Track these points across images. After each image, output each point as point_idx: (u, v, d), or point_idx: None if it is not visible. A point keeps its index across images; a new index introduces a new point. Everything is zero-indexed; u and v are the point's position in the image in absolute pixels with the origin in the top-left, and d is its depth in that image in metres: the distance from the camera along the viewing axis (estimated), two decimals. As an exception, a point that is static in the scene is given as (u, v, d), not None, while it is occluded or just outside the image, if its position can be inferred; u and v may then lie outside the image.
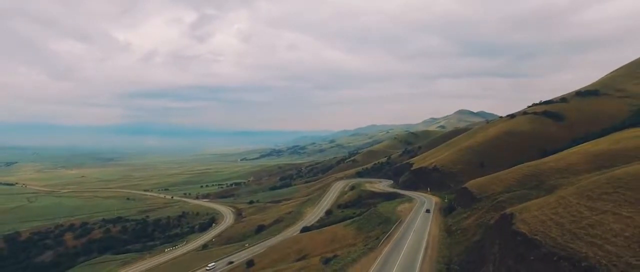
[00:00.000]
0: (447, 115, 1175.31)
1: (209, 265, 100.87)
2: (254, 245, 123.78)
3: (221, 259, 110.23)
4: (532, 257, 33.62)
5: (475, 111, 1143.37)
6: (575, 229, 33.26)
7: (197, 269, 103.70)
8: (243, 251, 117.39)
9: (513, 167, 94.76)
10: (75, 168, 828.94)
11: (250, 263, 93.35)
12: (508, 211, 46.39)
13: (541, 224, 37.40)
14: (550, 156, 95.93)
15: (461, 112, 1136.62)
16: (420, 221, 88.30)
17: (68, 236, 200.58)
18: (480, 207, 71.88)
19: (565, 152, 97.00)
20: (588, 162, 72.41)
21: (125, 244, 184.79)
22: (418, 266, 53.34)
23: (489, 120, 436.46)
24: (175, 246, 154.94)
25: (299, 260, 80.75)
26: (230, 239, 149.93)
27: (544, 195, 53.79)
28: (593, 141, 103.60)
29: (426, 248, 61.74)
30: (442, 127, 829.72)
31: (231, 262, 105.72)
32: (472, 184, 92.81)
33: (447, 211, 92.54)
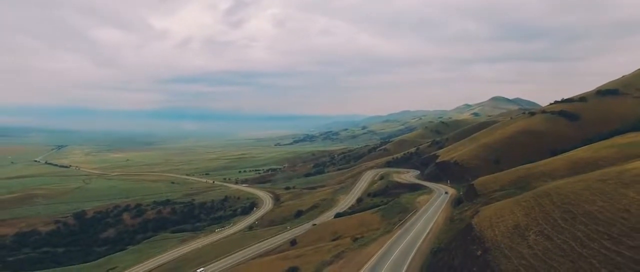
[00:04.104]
0: (482, 102, 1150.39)
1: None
2: (295, 227, 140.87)
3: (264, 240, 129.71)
4: (468, 237, 51.06)
5: (510, 98, 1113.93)
6: (494, 222, 49.46)
7: (249, 247, 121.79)
8: (287, 233, 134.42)
9: (512, 169, 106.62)
10: (119, 152, 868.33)
11: (293, 242, 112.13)
12: (482, 207, 63.35)
13: (483, 218, 53.53)
14: (541, 161, 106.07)
15: (496, 99, 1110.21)
16: (431, 211, 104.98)
17: (126, 216, 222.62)
18: (478, 202, 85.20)
19: (557, 157, 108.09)
20: (567, 169, 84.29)
21: (175, 224, 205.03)
22: (418, 244, 72.36)
23: (524, 109, 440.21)
24: (223, 227, 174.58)
25: (333, 240, 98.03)
26: (273, 222, 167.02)
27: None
28: (580, 148, 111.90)
29: (429, 232, 79.87)
30: (476, 114, 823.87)
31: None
32: (478, 181, 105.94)
33: (456, 203, 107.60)
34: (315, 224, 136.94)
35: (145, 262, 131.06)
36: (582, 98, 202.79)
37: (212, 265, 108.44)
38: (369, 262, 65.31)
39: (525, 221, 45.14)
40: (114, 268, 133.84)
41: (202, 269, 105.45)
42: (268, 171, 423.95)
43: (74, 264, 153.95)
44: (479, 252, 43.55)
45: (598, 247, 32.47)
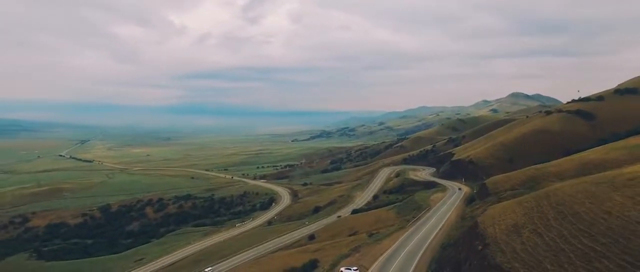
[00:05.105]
0: (500, 98, 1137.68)
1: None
2: (313, 223, 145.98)
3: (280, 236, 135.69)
4: (473, 234, 55.42)
5: (530, 94, 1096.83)
6: (497, 221, 53.27)
7: (269, 241, 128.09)
8: (305, 228, 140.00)
9: (523, 169, 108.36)
10: (139, 147, 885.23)
11: (312, 237, 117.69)
12: (491, 206, 67.99)
13: (488, 217, 57.55)
14: (552, 162, 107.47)
15: (515, 96, 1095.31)
16: (444, 208, 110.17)
17: (149, 210, 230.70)
18: (489, 201, 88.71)
19: (568, 157, 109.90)
20: (576, 170, 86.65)
21: (196, 218, 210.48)
22: (430, 240, 77.79)
23: (543, 106, 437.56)
24: (243, 222, 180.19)
25: (350, 235, 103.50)
26: (291, 218, 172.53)
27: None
28: (593, 149, 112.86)
29: (440, 228, 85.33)
30: (494, 110, 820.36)
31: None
32: (490, 180, 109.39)
33: (469, 201, 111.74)
34: (340, 216, 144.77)
35: (172, 254, 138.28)
36: (599, 97, 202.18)
37: (235, 257, 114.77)
38: (383, 255, 70.97)
39: (523, 220, 49.21)
40: (141, 259, 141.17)
41: (210, 268, 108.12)
42: (285, 166, 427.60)
43: (102, 255, 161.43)
44: (479, 247, 48.11)
45: (577, 243, 36.92)
